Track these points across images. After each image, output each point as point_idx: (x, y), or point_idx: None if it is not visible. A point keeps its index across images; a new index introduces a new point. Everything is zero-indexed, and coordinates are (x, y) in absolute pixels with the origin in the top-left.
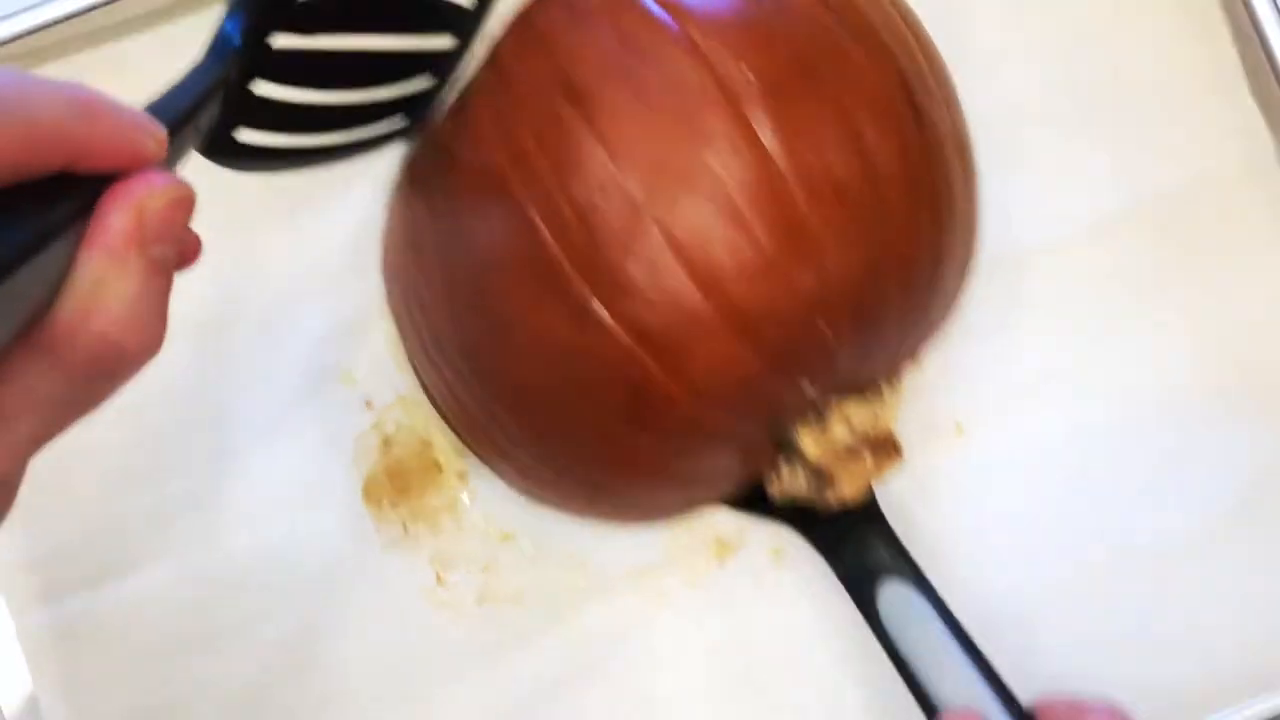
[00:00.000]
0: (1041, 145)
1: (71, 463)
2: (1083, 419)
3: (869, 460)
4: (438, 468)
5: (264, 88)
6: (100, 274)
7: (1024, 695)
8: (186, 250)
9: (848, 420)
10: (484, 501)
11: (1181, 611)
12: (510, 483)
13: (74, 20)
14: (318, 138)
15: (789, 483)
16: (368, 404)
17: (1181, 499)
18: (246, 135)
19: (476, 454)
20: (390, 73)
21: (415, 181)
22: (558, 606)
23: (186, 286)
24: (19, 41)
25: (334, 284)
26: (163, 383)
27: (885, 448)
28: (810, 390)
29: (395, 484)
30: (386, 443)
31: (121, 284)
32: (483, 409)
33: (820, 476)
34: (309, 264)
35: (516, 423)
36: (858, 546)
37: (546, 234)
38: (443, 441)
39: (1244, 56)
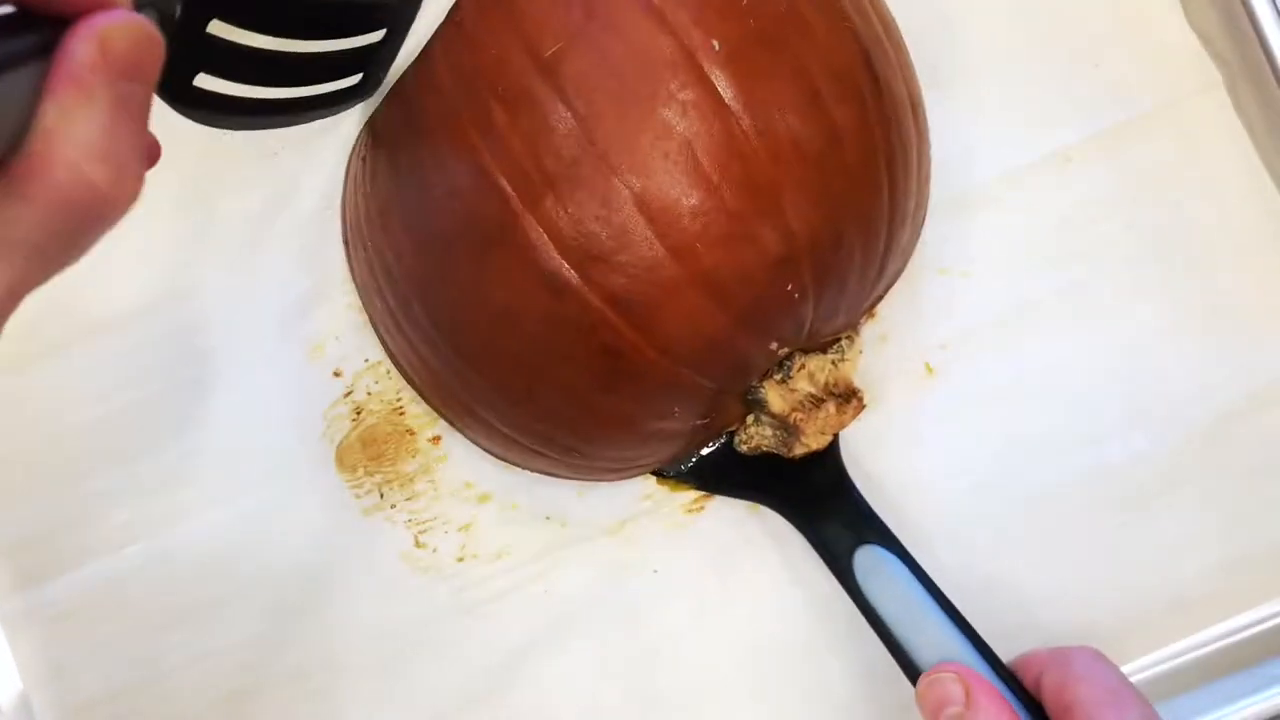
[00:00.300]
0: (997, 82)
1: (42, 446)
2: (1051, 352)
3: (833, 410)
4: (410, 433)
5: (221, 29)
6: (67, 104)
7: (1009, 626)
8: (149, 146)
9: (811, 375)
10: (460, 464)
11: (1151, 539)
12: (482, 446)
13: None
14: (274, 91)
15: (756, 437)
16: (336, 373)
17: (1151, 431)
18: (205, 82)
19: (447, 419)
20: (345, 25)
21: (379, 147)
22: (539, 562)
23: (147, 261)
24: None
25: (296, 255)
26: (128, 362)
27: (848, 398)
28: (777, 347)
29: (369, 451)
30: (358, 410)
31: (89, 113)
32: (455, 375)
33: (787, 429)
34: (270, 236)
35: (489, 387)
36: (831, 516)
37: (518, 203)
38: (415, 407)
39: None
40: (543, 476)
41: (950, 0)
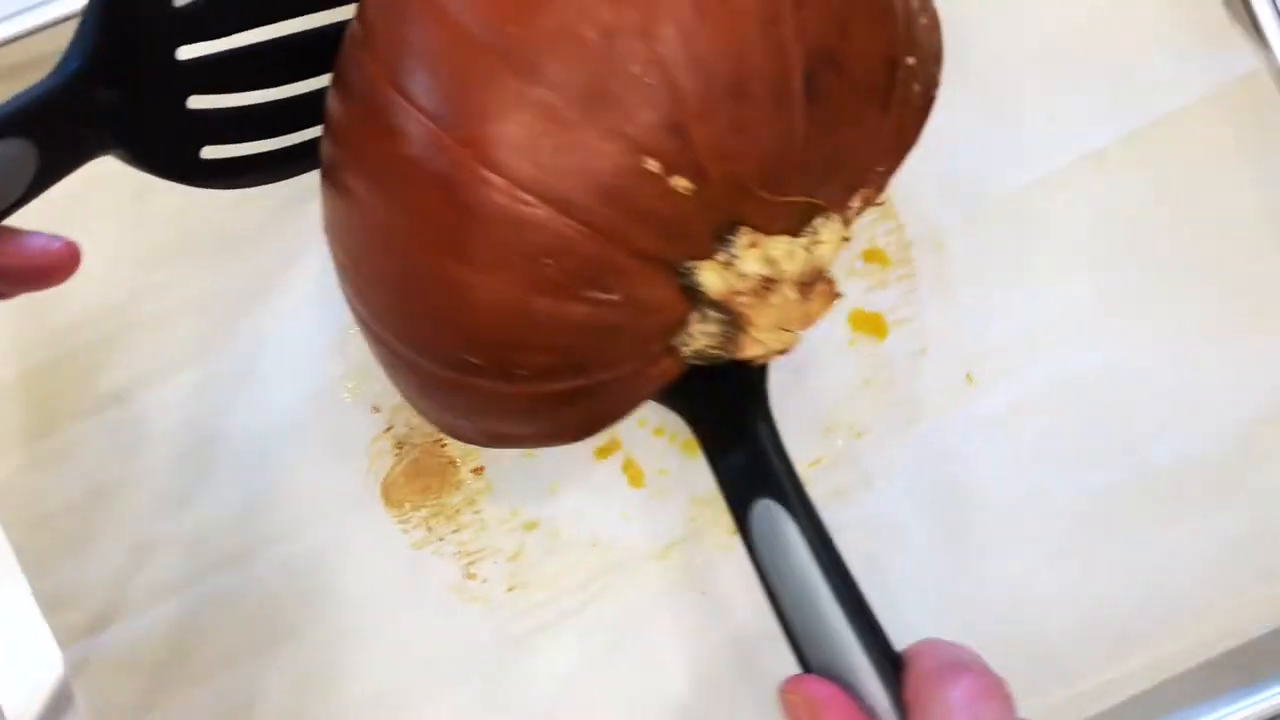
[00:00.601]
0: (1029, 85)
1: (96, 497)
2: (1092, 358)
3: (791, 296)
4: (453, 464)
5: (200, 101)
6: None
7: (1057, 635)
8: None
9: (767, 256)
10: (504, 493)
11: (1198, 544)
12: (435, 419)
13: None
14: (275, 140)
15: (699, 337)
16: (375, 409)
17: (1193, 429)
18: (211, 152)
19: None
20: (322, 58)
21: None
22: (588, 589)
23: (186, 312)
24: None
25: (324, 294)
26: (172, 414)
27: (812, 283)
28: (714, 220)
29: (414, 485)
30: (399, 445)
31: None
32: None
33: (731, 321)
34: (300, 278)
35: (377, 292)
36: (735, 454)
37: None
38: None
39: None
40: (585, 505)
41: (975, 5)
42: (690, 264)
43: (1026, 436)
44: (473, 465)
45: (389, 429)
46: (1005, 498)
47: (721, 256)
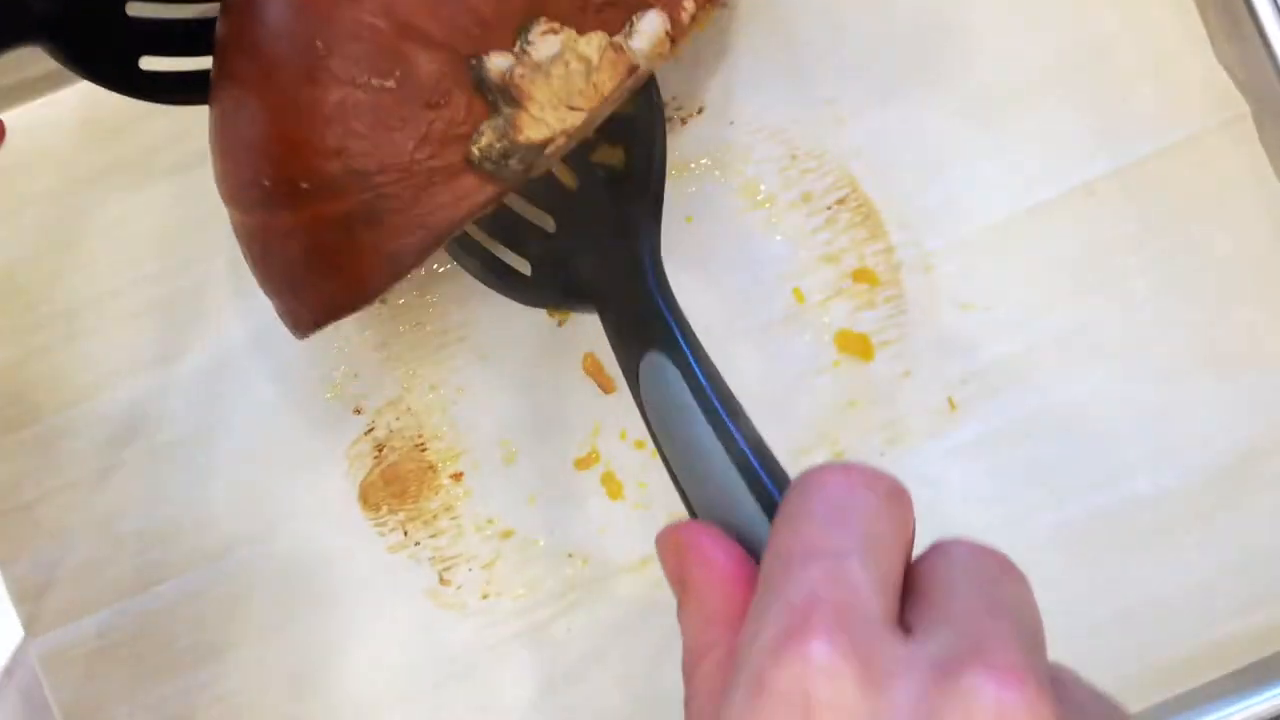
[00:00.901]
0: (1021, 115)
1: (72, 488)
2: (1075, 387)
3: (578, 68)
4: (432, 469)
5: (137, 8)
6: None
7: None
8: None
9: (565, 43)
10: (482, 500)
11: (1178, 576)
12: (278, 309)
13: None
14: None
15: (486, 132)
16: (357, 410)
17: (1175, 467)
18: (149, 64)
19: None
20: None
21: None
22: (563, 599)
23: (169, 308)
24: None
25: None
26: (153, 407)
27: (605, 55)
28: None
29: (391, 489)
30: (379, 448)
31: None
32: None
33: (508, 99)
34: None
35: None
36: (627, 309)
37: None
38: (437, 444)
39: (1206, 18)
40: (566, 514)
41: (973, 33)
42: (483, 57)
43: (1007, 464)
44: (452, 470)
45: (370, 431)
46: (983, 524)
47: (517, 48)
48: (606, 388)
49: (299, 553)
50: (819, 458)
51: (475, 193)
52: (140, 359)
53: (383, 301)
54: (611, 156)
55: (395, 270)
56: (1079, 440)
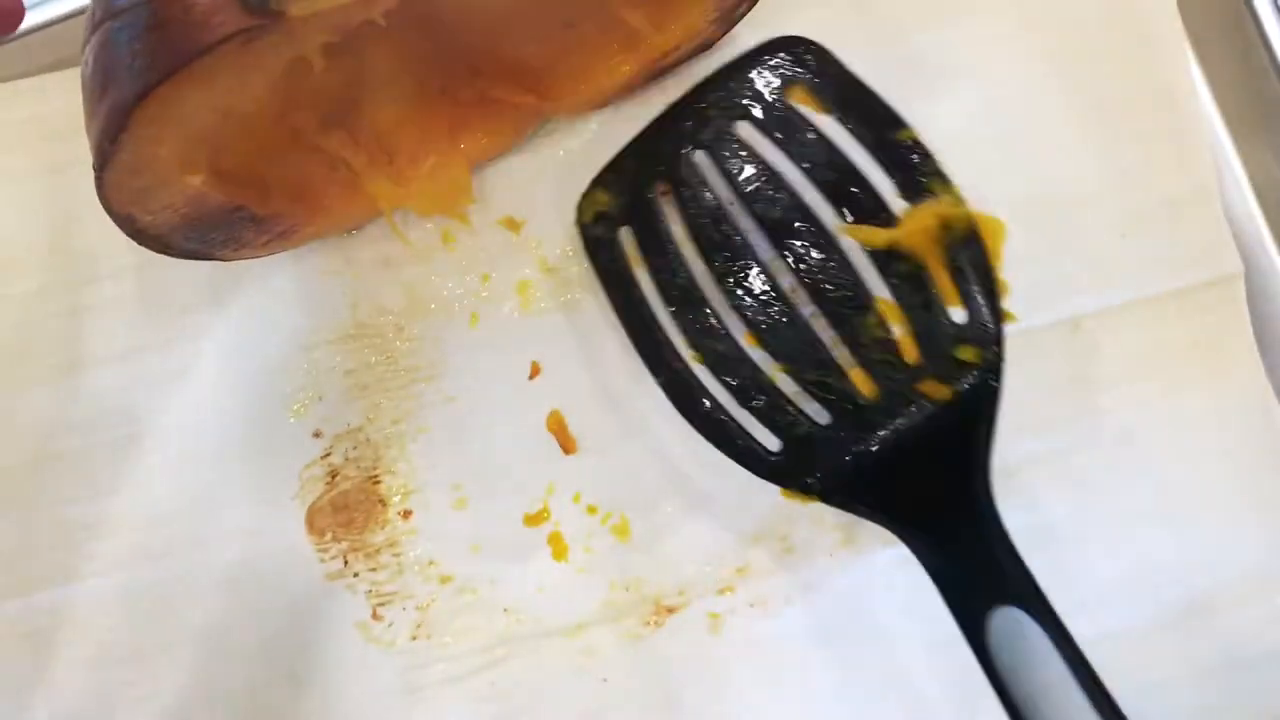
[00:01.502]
0: (1018, 242)
1: (23, 468)
2: (1035, 513)
3: None
4: (382, 503)
5: None
6: None
7: None
8: None
9: None
10: (426, 541)
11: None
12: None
13: None
14: None
15: None
16: (316, 433)
17: (1126, 608)
18: None
19: None
20: None
21: None
22: (491, 653)
23: (142, 303)
24: None
25: (287, 308)
26: (117, 400)
27: None
28: None
29: (339, 516)
30: (333, 474)
31: None
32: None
33: None
34: (263, 295)
35: None
36: (964, 553)
37: None
38: (390, 480)
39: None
40: (505, 567)
41: (987, 154)
42: None
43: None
44: (402, 507)
45: (326, 455)
46: (924, 637)
47: None
48: (567, 448)
49: (236, 566)
50: (769, 550)
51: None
52: (105, 353)
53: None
54: (937, 392)
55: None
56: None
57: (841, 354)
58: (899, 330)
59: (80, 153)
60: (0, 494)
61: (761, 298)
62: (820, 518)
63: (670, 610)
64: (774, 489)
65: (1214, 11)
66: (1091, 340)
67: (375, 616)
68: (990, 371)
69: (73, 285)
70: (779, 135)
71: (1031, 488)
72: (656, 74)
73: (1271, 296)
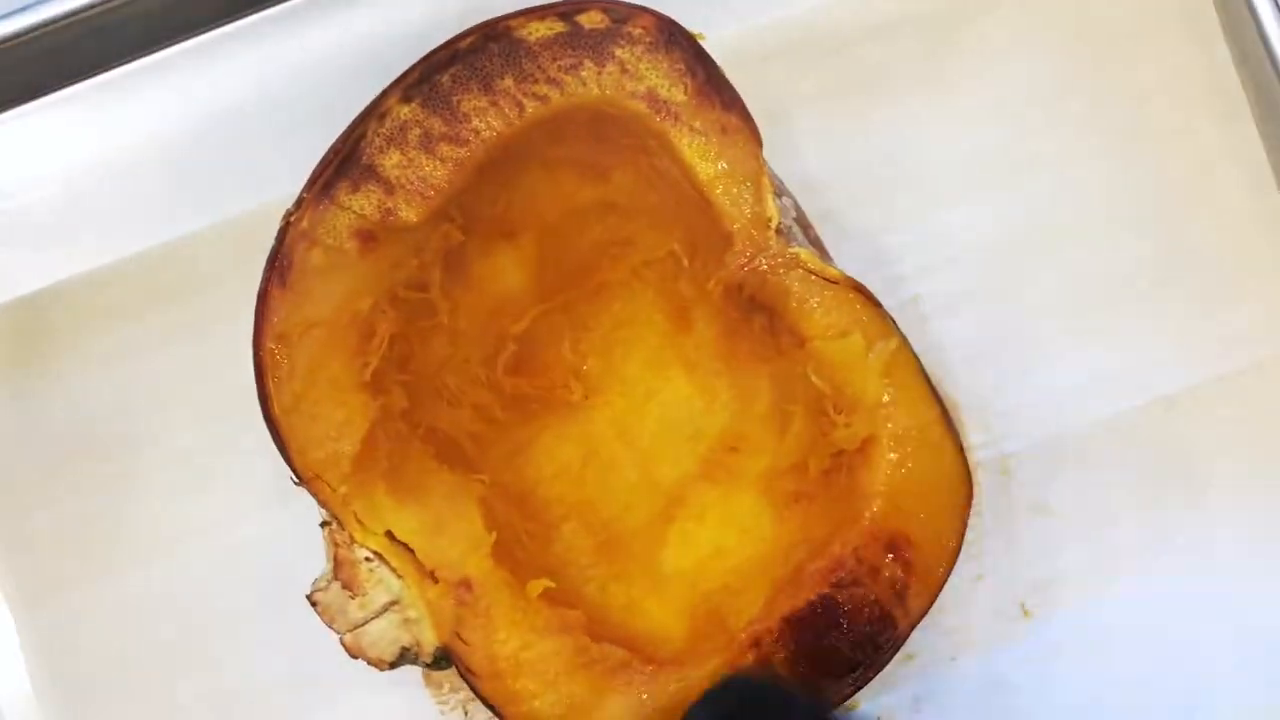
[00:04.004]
0: (1107, 323)
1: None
2: (1153, 599)
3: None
4: None
5: None
6: None
7: None
8: None
9: None
10: None
11: None
12: None
13: None
14: None
15: None
16: None
17: (1257, 679)
18: None
19: None
20: None
21: None
22: None
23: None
24: None
25: None
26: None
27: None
28: None
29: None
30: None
31: None
32: None
33: None
34: None
35: None
36: None
37: None
38: None
39: None
40: None
41: (1063, 235)
42: None
43: (1081, 674)
44: None
45: None
46: None
47: None
48: None
49: None
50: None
51: None
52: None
53: None
54: None
55: None
56: (1156, 653)
57: None
58: None
59: None
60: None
61: None
62: (937, 623)
63: None
64: None
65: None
66: (1182, 417)
67: None
68: None
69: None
70: None
71: (1145, 570)
72: None
73: None
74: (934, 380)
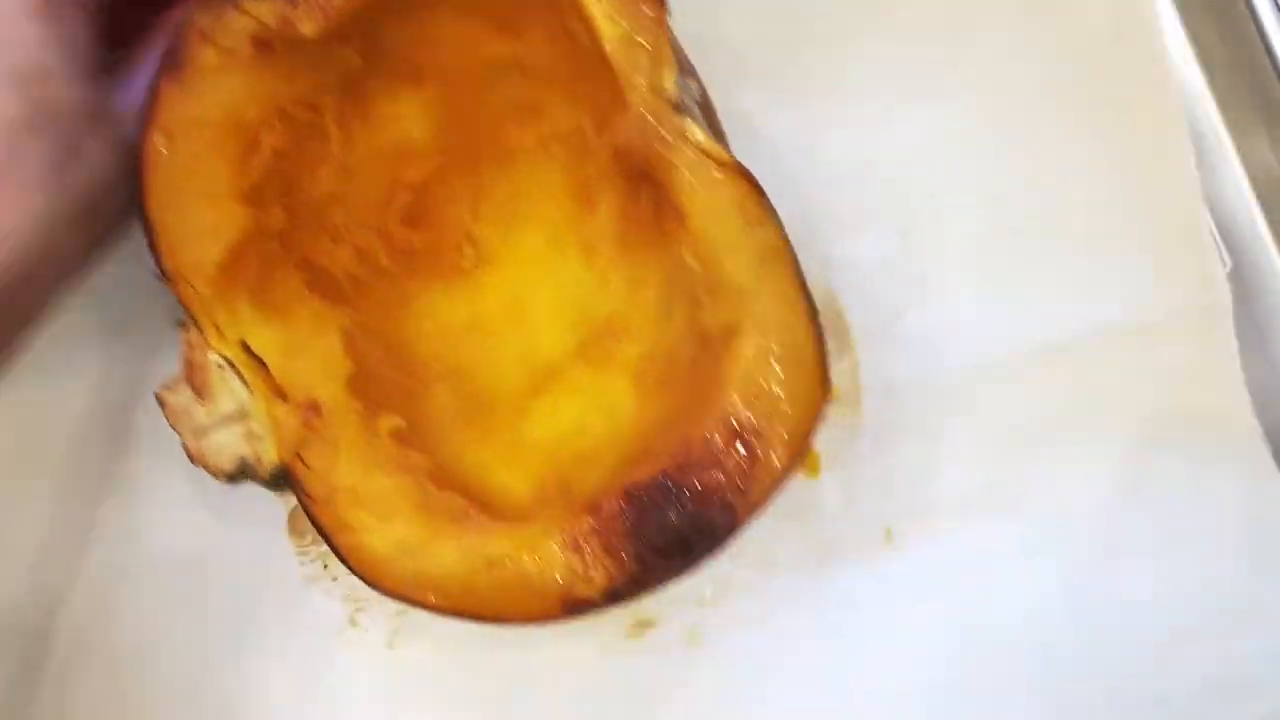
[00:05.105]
0: (1009, 266)
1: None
2: (1014, 542)
3: None
4: None
5: None
6: None
7: None
8: None
9: None
10: None
11: None
12: None
13: None
14: None
15: None
16: None
17: (1101, 633)
18: None
19: None
20: None
21: None
22: (470, 658)
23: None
24: None
25: None
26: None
27: None
28: None
29: None
30: None
31: None
32: None
33: None
34: None
35: None
36: None
37: None
38: None
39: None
40: None
41: (968, 177)
42: None
43: (927, 608)
44: None
45: None
46: (891, 661)
47: None
48: None
49: (215, 560)
50: (749, 565)
51: None
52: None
53: None
54: None
55: None
56: (1009, 594)
57: None
58: None
59: None
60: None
61: None
62: (803, 535)
63: (650, 624)
64: None
65: (1214, 11)
66: (1081, 363)
67: (352, 623)
68: None
69: None
70: None
71: (1016, 518)
72: None
73: (1272, 298)
74: (828, 297)
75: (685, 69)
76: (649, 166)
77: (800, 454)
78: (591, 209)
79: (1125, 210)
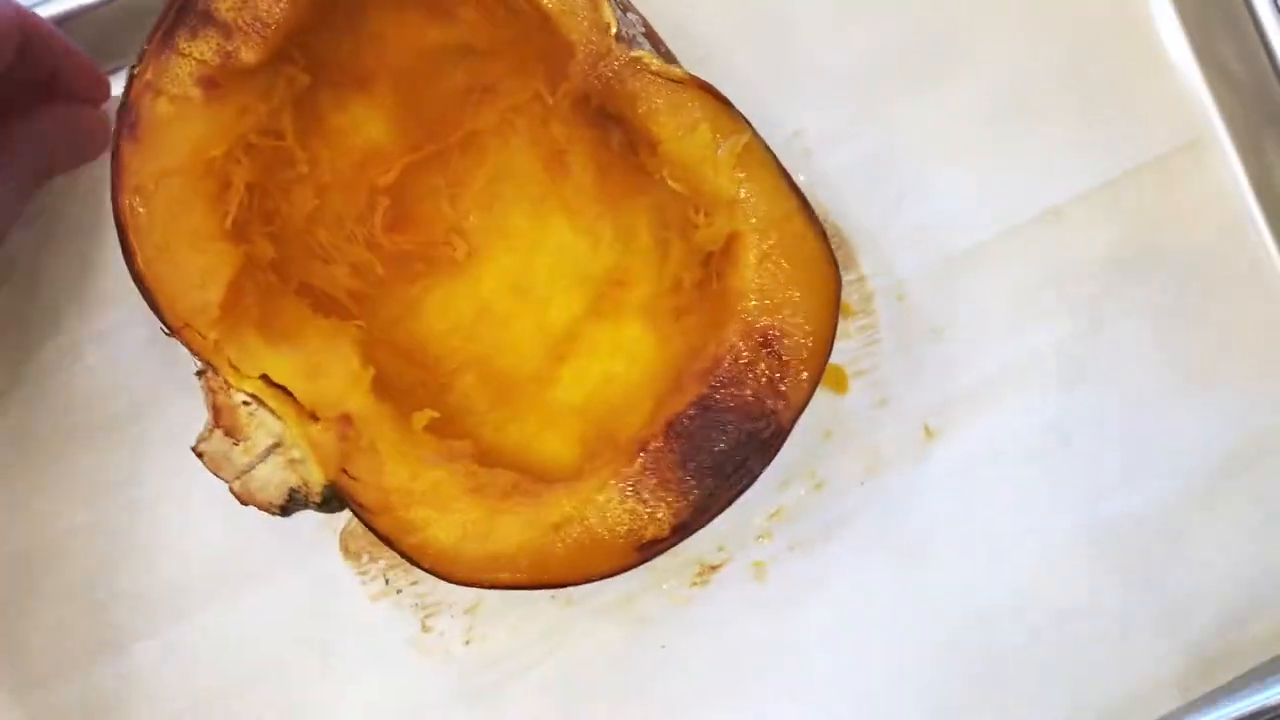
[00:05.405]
0: (988, 143)
1: (51, 556)
2: (1050, 409)
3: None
4: None
5: None
6: None
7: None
8: None
9: None
10: None
11: (1159, 598)
12: None
13: None
14: None
15: None
16: None
17: (1152, 484)
18: None
19: None
20: None
21: None
22: (546, 641)
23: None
24: None
25: None
26: (130, 457)
27: None
28: None
29: (371, 536)
30: None
31: None
32: None
33: None
34: None
35: None
36: None
37: None
38: None
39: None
40: None
41: (937, 64)
42: None
43: (983, 488)
44: None
45: None
46: (962, 548)
47: None
48: None
49: (278, 603)
50: (800, 489)
51: None
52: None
53: None
54: None
55: None
56: (1057, 462)
57: None
58: None
59: None
60: (36, 578)
61: None
62: (843, 449)
63: (714, 568)
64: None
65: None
66: (1076, 226)
67: (425, 629)
68: None
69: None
70: None
71: (1042, 382)
72: None
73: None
74: (821, 212)
75: (623, 3)
76: (611, 104)
77: (827, 343)
78: (565, 172)
79: (1093, 76)
